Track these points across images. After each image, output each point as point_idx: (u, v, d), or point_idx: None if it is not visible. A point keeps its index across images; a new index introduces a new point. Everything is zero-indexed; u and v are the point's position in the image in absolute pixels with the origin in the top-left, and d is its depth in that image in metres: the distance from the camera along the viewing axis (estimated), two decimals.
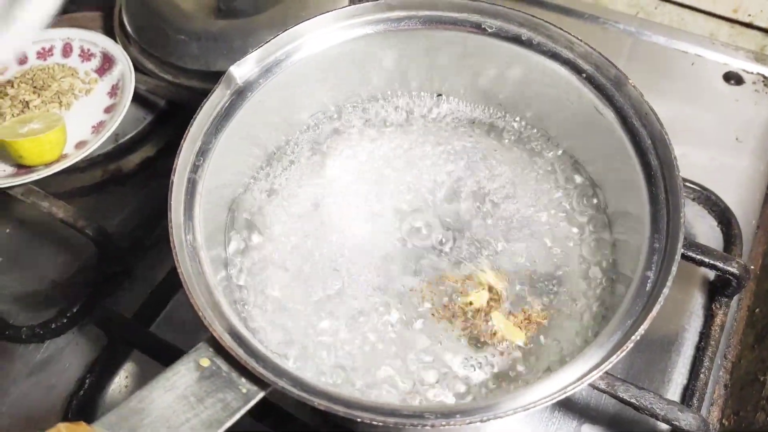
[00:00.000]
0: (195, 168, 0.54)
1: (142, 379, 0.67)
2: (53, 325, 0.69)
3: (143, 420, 0.40)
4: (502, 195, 0.64)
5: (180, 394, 0.42)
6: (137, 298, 0.71)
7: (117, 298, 0.72)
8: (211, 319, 0.44)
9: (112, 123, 0.76)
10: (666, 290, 0.45)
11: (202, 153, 0.55)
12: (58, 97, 0.81)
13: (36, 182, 0.72)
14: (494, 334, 0.56)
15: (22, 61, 0.85)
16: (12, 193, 0.72)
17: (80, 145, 0.76)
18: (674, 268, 0.45)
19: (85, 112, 0.80)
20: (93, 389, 0.65)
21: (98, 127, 0.78)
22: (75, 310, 0.70)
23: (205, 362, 0.43)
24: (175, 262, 0.46)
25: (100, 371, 0.66)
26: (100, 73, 0.84)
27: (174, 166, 0.52)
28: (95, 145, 0.74)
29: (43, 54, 0.86)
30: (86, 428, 0.38)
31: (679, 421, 0.54)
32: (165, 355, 0.62)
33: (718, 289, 0.68)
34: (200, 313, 0.44)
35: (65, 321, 0.69)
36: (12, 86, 0.81)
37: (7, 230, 0.78)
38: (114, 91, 0.81)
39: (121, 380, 0.67)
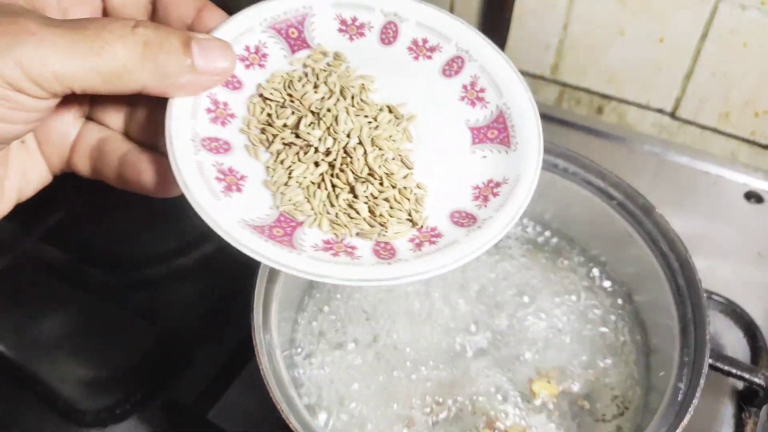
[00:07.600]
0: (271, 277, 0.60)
1: None
2: (117, 411, 0.73)
3: None
4: (543, 308, 0.69)
5: None
6: (197, 385, 0.75)
7: (178, 385, 0.76)
8: (287, 412, 0.49)
9: None
10: (695, 401, 0.49)
11: None
12: None
13: None
14: None
15: None
16: None
17: None
18: (702, 381, 0.50)
19: None
20: None
21: None
22: (138, 397, 0.74)
23: None
24: (257, 359, 0.52)
25: None
26: None
27: (255, 278, 0.58)
28: None
29: None
30: None
31: None
32: None
33: (746, 399, 0.72)
34: (279, 406, 0.49)
35: (128, 407, 0.73)
36: None
37: (75, 318, 0.84)
38: None
39: None
